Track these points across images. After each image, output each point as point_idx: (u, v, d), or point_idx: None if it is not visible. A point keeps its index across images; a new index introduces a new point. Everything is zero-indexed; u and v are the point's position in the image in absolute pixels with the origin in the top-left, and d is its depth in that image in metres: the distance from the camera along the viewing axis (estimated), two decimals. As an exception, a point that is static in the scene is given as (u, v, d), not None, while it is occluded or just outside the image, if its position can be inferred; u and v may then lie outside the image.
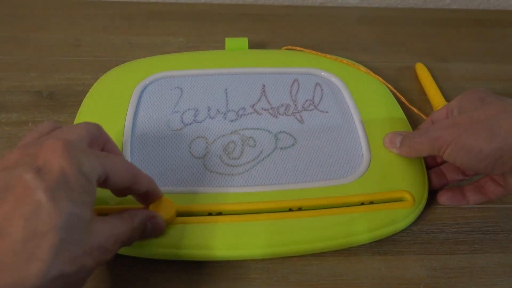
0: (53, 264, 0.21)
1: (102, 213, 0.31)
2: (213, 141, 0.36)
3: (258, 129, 0.37)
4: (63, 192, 0.22)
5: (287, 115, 0.39)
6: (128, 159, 0.34)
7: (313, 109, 0.39)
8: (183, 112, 0.38)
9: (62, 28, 0.50)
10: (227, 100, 0.39)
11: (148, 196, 0.29)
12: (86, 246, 0.23)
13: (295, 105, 0.39)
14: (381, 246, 0.33)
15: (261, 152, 0.36)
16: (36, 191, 0.21)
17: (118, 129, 0.36)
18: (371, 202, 0.33)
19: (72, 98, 0.42)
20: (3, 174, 0.22)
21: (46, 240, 0.21)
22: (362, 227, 0.32)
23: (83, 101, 0.39)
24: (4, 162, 0.23)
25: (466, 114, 0.31)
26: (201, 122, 0.38)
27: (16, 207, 0.21)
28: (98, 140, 0.27)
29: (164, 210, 0.30)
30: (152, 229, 0.29)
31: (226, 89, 0.40)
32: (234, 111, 0.39)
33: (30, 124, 0.40)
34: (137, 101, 0.38)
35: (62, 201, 0.22)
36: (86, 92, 0.40)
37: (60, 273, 0.21)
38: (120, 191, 0.27)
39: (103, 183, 0.25)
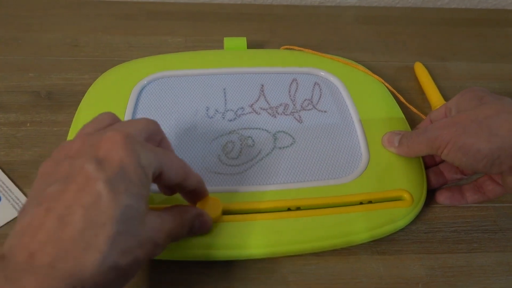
0: (109, 255, 0.21)
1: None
2: (212, 141, 0.36)
3: (256, 128, 0.37)
4: (122, 184, 0.22)
5: (286, 115, 0.39)
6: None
7: (312, 108, 0.39)
8: (182, 112, 0.38)
9: (60, 28, 0.49)
10: (225, 100, 0.39)
11: (195, 194, 0.29)
12: (141, 238, 0.23)
13: (294, 105, 0.39)
14: (379, 245, 0.33)
15: (259, 151, 0.36)
16: (97, 182, 0.22)
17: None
18: (370, 202, 0.33)
19: (70, 98, 0.42)
20: (66, 162, 0.23)
21: (104, 230, 0.21)
22: (361, 227, 0.32)
23: (82, 101, 0.39)
24: (67, 151, 0.24)
25: (464, 113, 0.30)
26: (199, 121, 0.38)
27: (78, 196, 0.21)
28: (155, 136, 0.28)
29: (211, 208, 0.30)
30: (200, 227, 0.29)
31: (224, 89, 0.40)
32: (233, 110, 0.39)
33: (28, 124, 0.40)
34: (136, 101, 0.38)
35: (121, 193, 0.22)
36: (84, 92, 0.40)
37: (115, 264, 0.21)
38: (171, 188, 0.28)
39: (158, 178, 0.26)
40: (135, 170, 0.23)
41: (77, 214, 0.21)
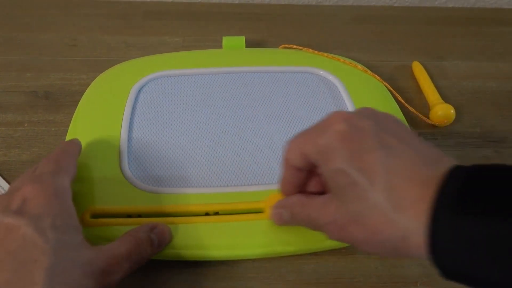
0: (51, 286, 0.21)
1: (98, 214, 0.31)
2: (210, 140, 0.36)
3: (254, 128, 0.37)
4: (46, 221, 0.23)
5: (285, 114, 0.39)
6: (125, 158, 0.34)
7: (310, 107, 0.39)
8: (180, 111, 0.38)
9: (58, 28, 0.49)
10: (224, 99, 0.39)
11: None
12: (85, 269, 0.23)
13: (292, 104, 0.39)
14: (378, 244, 0.33)
15: (257, 151, 0.36)
16: (19, 228, 0.23)
17: (115, 128, 0.36)
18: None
19: (68, 98, 0.42)
20: None
21: (38, 265, 0.22)
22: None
23: (80, 101, 0.39)
24: None
25: (342, 207, 0.24)
26: (197, 121, 0.37)
27: (2, 245, 0.22)
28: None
29: None
30: (159, 239, 0.29)
31: (223, 88, 0.40)
32: (231, 110, 0.39)
33: (26, 124, 0.40)
34: (134, 101, 0.38)
35: (46, 229, 0.23)
36: (82, 92, 0.40)
37: None
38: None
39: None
40: (56, 202, 0.25)
41: (5, 260, 0.22)
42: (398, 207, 0.21)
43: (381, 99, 0.41)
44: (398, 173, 0.22)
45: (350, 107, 0.39)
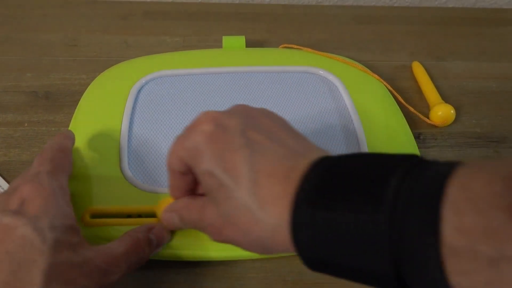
0: (49, 286, 0.21)
1: (98, 214, 0.31)
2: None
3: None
4: (45, 221, 0.23)
5: (284, 113, 0.38)
6: (125, 158, 0.34)
7: (310, 107, 0.39)
8: (180, 111, 0.38)
9: (58, 28, 0.49)
10: (224, 99, 0.39)
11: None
12: (83, 269, 0.23)
13: (292, 104, 0.39)
14: (378, 244, 0.33)
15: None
16: (17, 228, 0.23)
17: (115, 128, 0.36)
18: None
19: (68, 98, 0.42)
20: None
21: (36, 265, 0.22)
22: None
23: (80, 101, 0.39)
24: None
25: (215, 209, 0.24)
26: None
27: (0, 246, 0.22)
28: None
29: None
30: (158, 239, 0.29)
31: (223, 88, 0.40)
32: (231, 110, 0.39)
33: (26, 124, 0.40)
34: (134, 101, 0.38)
35: (45, 229, 0.23)
36: (82, 92, 0.40)
37: None
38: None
39: None
40: (54, 203, 0.25)
41: (3, 260, 0.22)
42: (263, 205, 0.21)
43: (381, 99, 0.41)
44: (262, 170, 0.22)
45: (350, 107, 0.39)
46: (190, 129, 0.25)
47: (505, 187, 0.16)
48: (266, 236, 0.22)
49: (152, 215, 0.31)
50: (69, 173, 0.29)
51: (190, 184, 0.27)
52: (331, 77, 0.42)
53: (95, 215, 0.31)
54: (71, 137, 0.31)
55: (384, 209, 0.18)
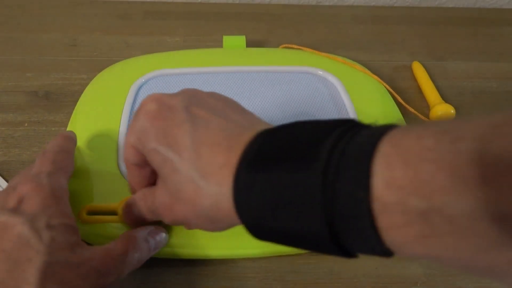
0: (44, 285, 0.21)
1: (95, 211, 0.31)
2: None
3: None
4: (42, 220, 0.23)
5: (284, 114, 0.39)
6: (123, 156, 0.34)
7: (310, 107, 0.39)
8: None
9: (57, 28, 0.49)
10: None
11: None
12: (80, 269, 0.23)
13: (292, 104, 0.39)
14: (378, 244, 0.33)
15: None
16: (14, 227, 0.23)
17: (113, 126, 0.36)
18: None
19: (68, 98, 0.42)
20: None
21: (31, 264, 0.22)
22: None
23: (79, 100, 0.39)
24: None
25: (164, 187, 0.25)
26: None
27: None
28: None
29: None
30: (155, 242, 0.28)
31: (222, 88, 0.40)
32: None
33: (26, 124, 0.40)
34: (133, 100, 0.38)
35: (42, 229, 0.23)
36: (82, 92, 0.40)
37: None
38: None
39: None
40: (53, 202, 0.24)
41: None
42: (205, 174, 0.22)
43: (380, 99, 0.41)
44: (205, 142, 0.22)
45: (349, 107, 0.39)
46: (136, 113, 0.25)
47: (436, 141, 0.16)
48: (211, 206, 0.22)
49: None
50: (70, 174, 0.29)
51: (149, 178, 0.27)
52: (330, 78, 0.42)
53: (92, 212, 0.31)
54: (73, 138, 0.32)
55: (318, 166, 0.18)
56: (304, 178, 0.18)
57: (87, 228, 0.30)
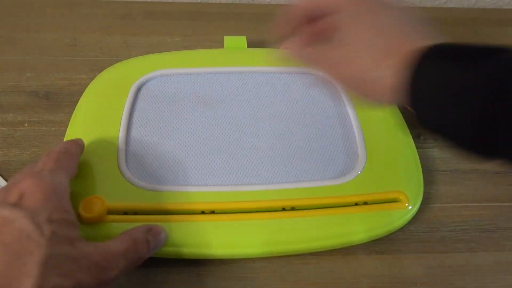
0: (46, 278, 0.21)
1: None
2: (209, 140, 0.36)
3: (255, 127, 0.37)
4: (43, 214, 0.24)
5: (284, 114, 0.39)
6: (123, 157, 0.34)
7: (310, 108, 0.39)
8: (179, 110, 0.38)
9: (58, 28, 0.49)
10: (224, 99, 0.39)
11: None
12: (81, 262, 0.23)
13: (293, 104, 0.39)
14: (378, 245, 0.33)
15: (257, 150, 0.36)
16: (15, 221, 0.23)
17: (114, 126, 0.36)
18: (365, 203, 0.33)
19: (68, 98, 0.42)
20: None
21: (32, 257, 0.22)
22: (357, 228, 0.32)
23: (79, 100, 0.39)
24: None
25: (335, 51, 0.30)
26: (197, 120, 0.37)
27: None
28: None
29: (91, 207, 0.30)
30: (155, 241, 0.29)
31: (223, 88, 0.40)
32: (231, 109, 0.39)
33: (26, 124, 0.40)
34: (133, 100, 0.38)
35: (44, 223, 0.23)
36: (82, 92, 0.40)
37: (56, 285, 0.22)
38: None
39: None
40: (54, 198, 0.25)
41: (0, 252, 0.22)
42: (386, 53, 0.27)
43: (381, 99, 0.41)
44: (392, 28, 0.29)
45: (349, 108, 0.39)
46: None
47: None
48: (376, 79, 0.27)
49: (150, 212, 0.31)
50: (72, 176, 0.29)
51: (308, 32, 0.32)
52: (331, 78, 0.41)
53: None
54: (80, 144, 0.32)
55: (488, 65, 0.23)
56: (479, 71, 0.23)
57: (88, 228, 0.30)
